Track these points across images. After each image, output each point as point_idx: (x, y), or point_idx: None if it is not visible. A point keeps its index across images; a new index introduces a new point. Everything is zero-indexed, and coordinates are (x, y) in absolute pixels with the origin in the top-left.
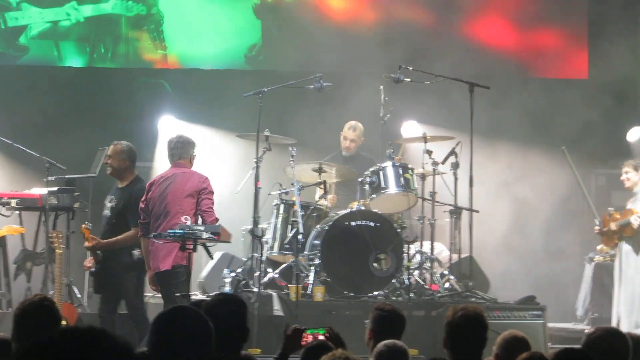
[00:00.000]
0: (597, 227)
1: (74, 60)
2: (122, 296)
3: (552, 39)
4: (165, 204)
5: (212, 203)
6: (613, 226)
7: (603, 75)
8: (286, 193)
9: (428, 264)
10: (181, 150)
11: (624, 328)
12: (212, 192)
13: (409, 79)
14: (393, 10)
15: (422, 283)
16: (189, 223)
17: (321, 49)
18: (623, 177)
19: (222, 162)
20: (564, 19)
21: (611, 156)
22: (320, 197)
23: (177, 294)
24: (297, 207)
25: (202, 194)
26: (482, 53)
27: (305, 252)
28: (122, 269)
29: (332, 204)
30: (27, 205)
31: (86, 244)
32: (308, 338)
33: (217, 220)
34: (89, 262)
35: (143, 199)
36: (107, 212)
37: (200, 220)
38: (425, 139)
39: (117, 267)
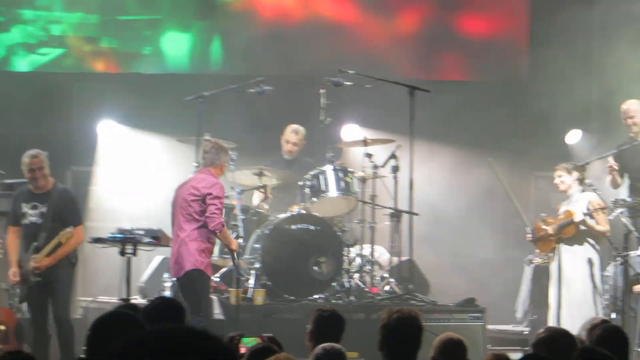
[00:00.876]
0: (529, 235)
1: (18, 64)
2: (57, 300)
3: (493, 41)
4: (175, 208)
5: (217, 208)
6: (550, 230)
7: (543, 78)
8: (227, 197)
9: (368, 267)
10: (214, 156)
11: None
12: (217, 197)
13: (349, 83)
14: (333, 13)
15: (363, 286)
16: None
17: (262, 53)
18: (556, 180)
19: (163, 167)
20: (505, 23)
21: (551, 159)
22: (261, 201)
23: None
24: (237, 211)
25: (207, 198)
26: (423, 55)
27: (246, 256)
28: (64, 274)
29: (269, 204)
30: None
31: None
32: (242, 350)
33: (222, 225)
34: (14, 275)
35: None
36: (35, 218)
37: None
38: (365, 143)
39: (59, 272)
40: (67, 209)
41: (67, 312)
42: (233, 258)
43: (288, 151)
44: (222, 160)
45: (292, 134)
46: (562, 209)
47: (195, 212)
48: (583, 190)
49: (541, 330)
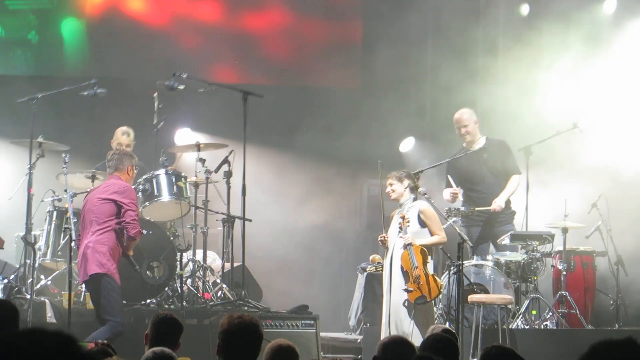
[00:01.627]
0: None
1: None
2: None
3: (327, 48)
4: (83, 214)
5: (136, 214)
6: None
7: (374, 85)
8: (59, 200)
9: (201, 273)
10: (117, 162)
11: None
12: (133, 203)
13: (182, 87)
14: (167, 18)
15: (195, 291)
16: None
17: (97, 54)
18: (388, 189)
19: None
20: (339, 30)
21: (384, 167)
22: None
23: None
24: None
25: (123, 205)
26: (261, 61)
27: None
28: None
29: None
30: None
31: None
32: None
33: (140, 232)
34: None
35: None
36: None
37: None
38: (198, 147)
39: None
40: None
41: None
42: (132, 263)
43: None
44: (125, 164)
45: (124, 137)
46: (395, 219)
47: (105, 214)
48: (415, 199)
49: (385, 339)
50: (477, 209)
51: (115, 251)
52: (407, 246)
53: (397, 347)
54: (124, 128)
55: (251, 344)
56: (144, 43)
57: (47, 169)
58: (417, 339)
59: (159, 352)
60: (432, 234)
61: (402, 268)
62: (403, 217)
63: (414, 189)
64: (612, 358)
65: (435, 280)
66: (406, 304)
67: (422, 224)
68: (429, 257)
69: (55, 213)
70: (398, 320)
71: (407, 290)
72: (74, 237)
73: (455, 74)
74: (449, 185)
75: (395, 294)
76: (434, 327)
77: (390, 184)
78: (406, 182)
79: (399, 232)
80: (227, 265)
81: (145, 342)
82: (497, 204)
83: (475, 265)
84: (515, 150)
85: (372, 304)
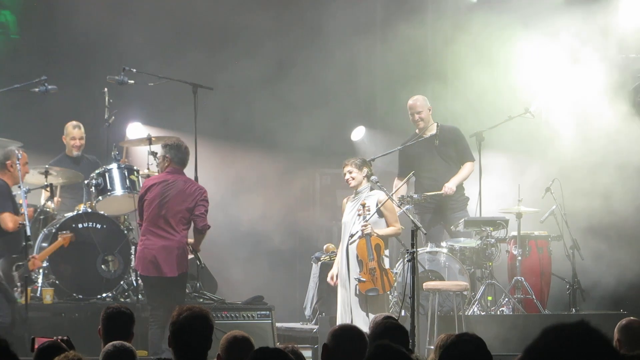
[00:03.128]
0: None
1: None
2: None
3: None
4: (156, 206)
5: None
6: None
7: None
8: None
9: None
10: (184, 156)
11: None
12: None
13: (132, 81)
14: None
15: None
16: None
17: (48, 51)
18: (347, 176)
19: None
20: None
21: (335, 156)
22: (47, 200)
23: None
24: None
25: (198, 201)
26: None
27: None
28: None
29: (57, 206)
30: None
31: None
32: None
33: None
34: None
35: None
36: None
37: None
38: (150, 141)
39: None
40: None
41: None
42: (199, 259)
43: (77, 147)
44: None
45: (76, 130)
46: (349, 206)
47: (186, 216)
48: (371, 188)
49: (336, 326)
50: (428, 193)
51: None
52: (365, 235)
53: (347, 335)
54: (74, 122)
55: (201, 335)
56: (97, 38)
57: None
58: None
59: (119, 346)
60: (388, 225)
61: (357, 256)
62: (363, 205)
63: (368, 177)
64: (563, 340)
65: (388, 275)
66: (357, 292)
67: (379, 214)
68: (385, 251)
69: None
70: (355, 309)
71: (358, 280)
72: (28, 232)
73: (403, 62)
74: (401, 174)
75: (353, 283)
76: (375, 317)
77: (350, 172)
78: (365, 170)
79: (358, 219)
80: None
81: (100, 336)
82: (448, 187)
83: (430, 252)
84: (467, 136)
85: (327, 293)
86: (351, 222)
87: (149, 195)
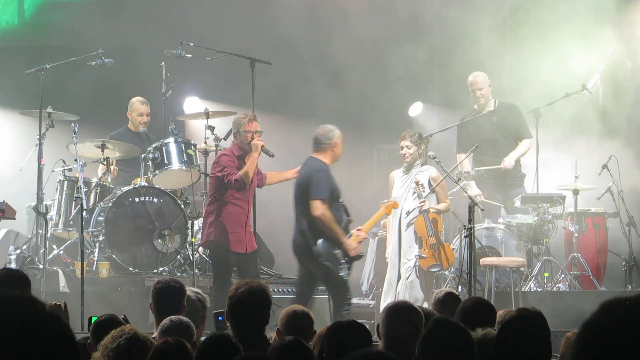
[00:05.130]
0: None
1: None
2: None
3: None
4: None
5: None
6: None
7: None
8: (70, 170)
9: None
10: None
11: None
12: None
13: (190, 55)
14: None
15: (207, 259)
16: None
17: (101, 25)
18: (404, 151)
19: (5, 140)
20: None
21: (393, 132)
22: (104, 174)
23: None
24: (80, 184)
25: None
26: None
27: (90, 229)
28: None
29: (114, 175)
30: None
31: None
32: None
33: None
34: None
35: None
36: None
37: None
38: (207, 115)
39: None
40: None
41: None
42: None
43: (144, 123)
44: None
45: (144, 106)
46: (398, 180)
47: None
48: (423, 164)
49: (391, 303)
50: (485, 167)
51: None
52: (423, 212)
53: (404, 310)
54: (141, 98)
55: (259, 310)
56: (151, 11)
57: (56, 139)
58: (426, 305)
59: (177, 320)
60: (439, 202)
61: (415, 233)
62: (417, 182)
63: (423, 152)
64: (622, 314)
65: (447, 250)
66: (417, 269)
67: (431, 190)
68: (442, 226)
69: (66, 183)
70: (409, 285)
71: (420, 257)
72: (84, 206)
73: (459, 38)
74: (461, 148)
75: (406, 258)
76: (437, 292)
77: (407, 147)
78: (421, 145)
79: (414, 196)
80: None
81: (152, 311)
82: (507, 161)
83: (487, 229)
84: (525, 113)
85: (384, 269)
86: (403, 197)
87: None
